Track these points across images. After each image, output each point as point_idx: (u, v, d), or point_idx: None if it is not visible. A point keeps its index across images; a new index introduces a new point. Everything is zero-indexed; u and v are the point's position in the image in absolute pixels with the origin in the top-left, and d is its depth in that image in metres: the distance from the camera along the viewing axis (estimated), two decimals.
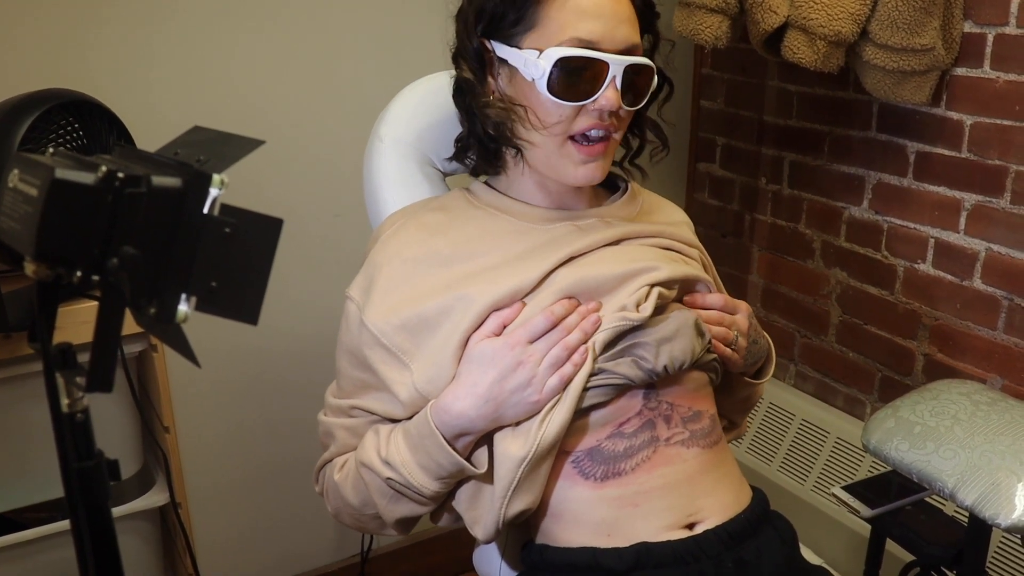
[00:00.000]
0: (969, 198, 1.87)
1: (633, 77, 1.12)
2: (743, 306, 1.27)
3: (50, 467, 0.72)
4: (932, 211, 1.95)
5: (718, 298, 1.24)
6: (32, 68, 1.61)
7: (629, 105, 1.14)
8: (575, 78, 1.09)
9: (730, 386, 1.31)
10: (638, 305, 1.12)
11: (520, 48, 1.12)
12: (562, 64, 1.09)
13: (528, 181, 1.22)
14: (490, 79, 1.18)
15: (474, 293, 1.11)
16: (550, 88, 1.09)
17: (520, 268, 1.13)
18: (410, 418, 1.12)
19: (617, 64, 1.10)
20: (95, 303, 0.67)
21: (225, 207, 0.66)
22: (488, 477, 1.10)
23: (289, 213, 1.88)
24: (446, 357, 1.10)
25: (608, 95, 1.10)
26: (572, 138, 1.14)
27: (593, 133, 1.13)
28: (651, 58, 1.19)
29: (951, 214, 1.91)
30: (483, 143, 1.21)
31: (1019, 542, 1.66)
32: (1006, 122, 1.78)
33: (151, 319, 0.65)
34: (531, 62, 1.10)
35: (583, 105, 1.11)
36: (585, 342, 1.09)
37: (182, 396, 1.87)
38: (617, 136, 1.18)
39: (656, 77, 1.18)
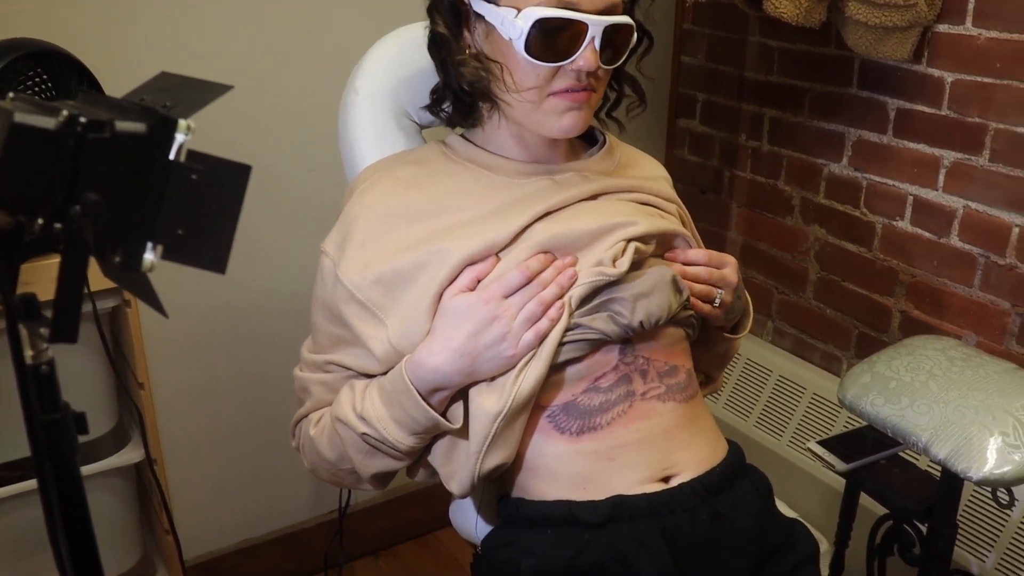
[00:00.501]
0: (948, 155, 1.87)
1: (612, 36, 1.10)
2: (731, 261, 1.25)
3: (18, 425, 0.70)
4: (911, 168, 1.95)
5: (701, 253, 1.23)
6: (4, 19, 1.57)
7: (607, 63, 1.12)
8: (553, 39, 1.07)
9: (708, 341, 1.31)
10: (615, 260, 1.11)
11: (498, 5, 1.09)
12: (540, 24, 1.06)
13: (505, 134, 1.20)
14: (466, 33, 1.16)
15: (450, 247, 1.10)
16: (527, 48, 1.07)
17: (496, 222, 1.12)
18: (385, 373, 1.11)
19: (596, 24, 1.07)
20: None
21: (192, 153, 0.65)
22: (463, 432, 1.10)
23: (264, 167, 1.88)
24: (420, 312, 1.09)
25: (587, 56, 1.08)
26: (552, 93, 1.12)
27: (573, 87, 1.11)
28: (631, 12, 1.17)
29: (930, 171, 1.91)
30: (458, 96, 1.19)
31: (989, 496, 1.68)
32: (987, 79, 1.77)
33: (117, 268, 0.64)
34: (508, 21, 1.08)
35: (560, 66, 1.09)
36: (561, 297, 1.08)
37: (156, 352, 1.85)
38: (599, 91, 1.16)
39: (635, 33, 1.16)
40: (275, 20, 1.84)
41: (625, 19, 1.11)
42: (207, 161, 0.64)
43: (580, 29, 1.07)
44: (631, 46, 1.15)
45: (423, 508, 2.33)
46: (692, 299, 1.20)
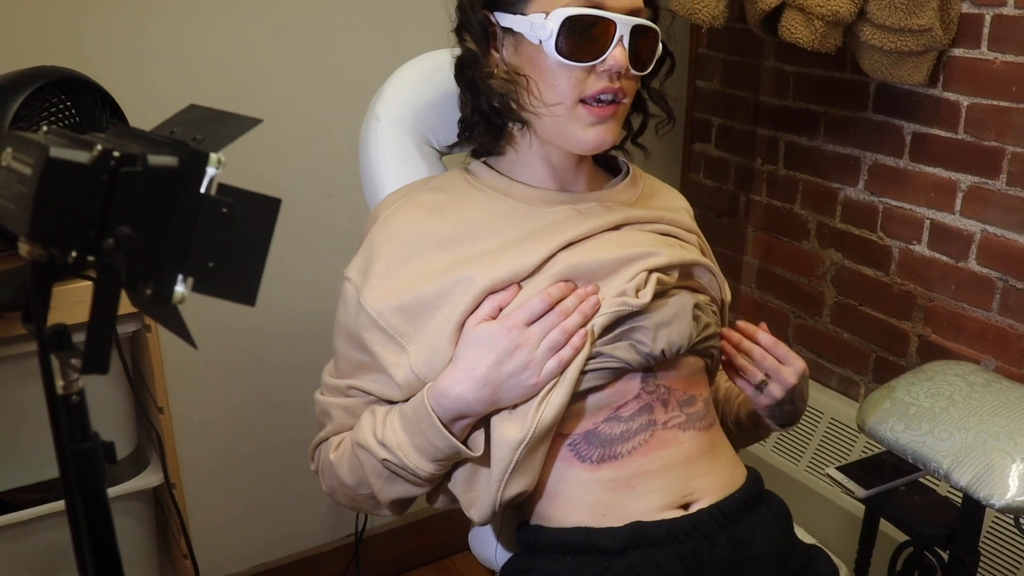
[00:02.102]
0: (965, 179, 1.87)
1: (639, 40, 1.11)
2: (798, 364, 1.22)
3: (44, 448, 0.71)
4: (928, 192, 1.95)
5: (768, 338, 1.23)
6: (24, 45, 1.59)
7: (636, 70, 1.13)
8: (583, 38, 1.08)
9: (749, 424, 1.32)
10: (637, 291, 1.11)
11: (525, 14, 1.11)
12: (570, 23, 1.08)
13: (533, 158, 1.21)
14: (493, 52, 1.17)
15: (473, 275, 1.10)
16: (558, 49, 1.08)
17: (520, 252, 1.13)
18: (407, 400, 1.11)
19: (624, 23, 1.09)
20: (89, 283, 0.66)
21: (222, 186, 0.65)
22: (484, 460, 1.10)
23: (283, 192, 1.87)
24: (443, 340, 1.09)
25: (616, 55, 1.09)
26: (583, 101, 1.12)
27: (604, 96, 1.12)
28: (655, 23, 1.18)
29: (947, 195, 1.91)
30: (488, 119, 1.19)
31: (1012, 522, 1.66)
32: (1003, 103, 1.77)
33: (147, 300, 0.64)
34: (538, 24, 1.09)
35: (592, 67, 1.10)
36: (584, 325, 1.09)
37: (176, 376, 1.86)
38: (627, 102, 1.16)
39: (660, 43, 1.17)
40: (296, 49, 1.86)
41: (650, 23, 1.12)
42: (237, 194, 0.65)
43: (608, 27, 1.08)
44: (658, 55, 1.16)
45: (440, 533, 2.32)
46: (737, 375, 1.22)
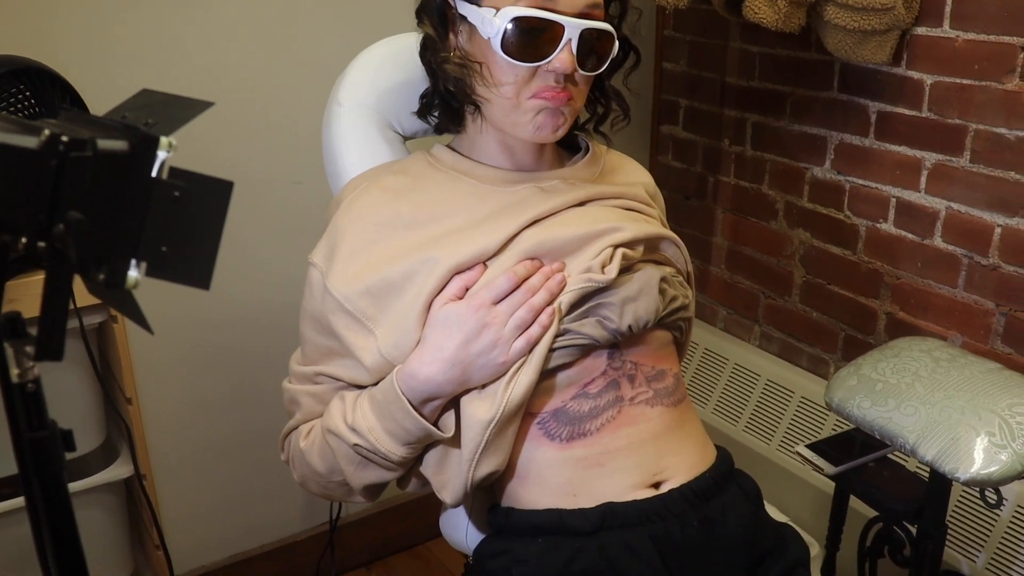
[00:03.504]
0: (929, 157, 1.88)
1: (593, 42, 1.11)
2: None
3: (5, 442, 0.70)
4: (893, 171, 1.96)
5: None
6: None
7: (588, 70, 1.12)
8: (529, 38, 1.08)
9: None
10: (603, 267, 1.11)
11: (479, 5, 1.10)
12: (516, 23, 1.07)
13: (489, 140, 1.21)
14: (451, 36, 1.17)
15: (438, 256, 1.10)
16: (504, 47, 1.08)
17: (485, 231, 1.13)
18: (376, 384, 1.11)
19: (573, 27, 1.08)
20: None
21: (174, 170, 0.65)
22: (455, 441, 1.10)
23: (250, 181, 1.88)
24: (410, 321, 1.09)
25: (562, 58, 1.08)
26: (530, 97, 1.12)
27: (548, 93, 1.12)
28: (618, 26, 1.17)
29: (912, 173, 1.92)
30: (445, 100, 1.20)
31: (978, 496, 1.69)
32: (965, 81, 1.78)
33: (101, 286, 0.63)
34: (487, 20, 1.08)
35: (537, 66, 1.10)
36: (551, 303, 1.09)
37: (144, 367, 1.85)
38: (577, 101, 1.16)
39: (617, 43, 1.16)
40: (257, 34, 1.85)
41: (604, 25, 1.11)
42: (189, 178, 0.65)
43: (557, 30, 1.07)
44: (612, 55, 1.16)
45: (414, 519, 2.32)
46: None
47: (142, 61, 1.73)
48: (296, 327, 1.21)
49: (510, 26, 1.07)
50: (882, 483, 1.60)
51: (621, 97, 1.26)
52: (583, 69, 1.11)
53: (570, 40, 1.08)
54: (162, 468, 1.93)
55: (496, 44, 1.08)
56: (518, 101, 1.12)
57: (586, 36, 1.09)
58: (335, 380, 1.16)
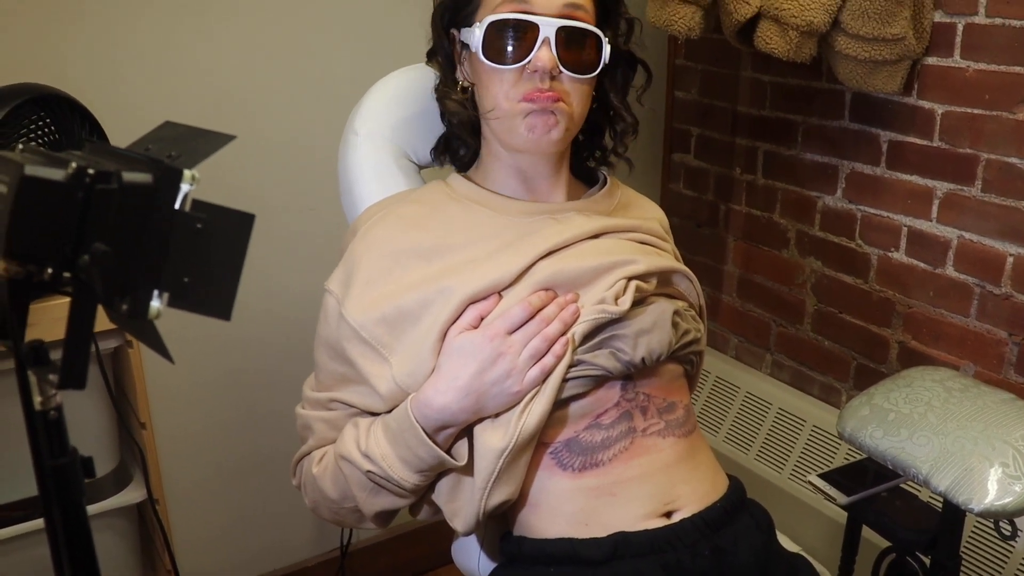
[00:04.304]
0: (941, 186, 1.89)
1: (575, 43, 1.13)
2: None
3: (24, 465, 0.71)
4: (905, 200, 1.97)
5: None
6: (3, 62, 1.59)
7: (573, 71, 1.13)
8: (505, 40, 1.12)
9: None
10: (617, 298, 1.12)
11: (470, 25, 1.15)
12: (492, 27, 1.11)
13: (503, 168, 1.22)
14: (458, 68, 1.20)
15: (454, 285, 1.11)
16: (485, 53, 1.12)
17: (500, 261, 1.14)
18: (390, 411, 1.12)
19: (548, 25, 1.10)
20: (67, 299, 0.66)
21: (197, 202, 0.66)
22: (468, 469, 1.10)
23: (264, 207, 1.90)
24: (425, 350, 1.10)
25: (541, 55, 1.11)
26: (520, 101, 1.14)
27: (533, 94, 1.13)
28: (625, 43, 1.20)
29: (923, 202, 1.93)
30: (458, 137, 1.24)
31: (992, 527, 1.68)
32: (976, 111, 1.79)
33: (124, 315, 0.65)
34: (474, 34, 1.13)
35: (521, 68, 1.12)
36: (564, 333, 1.09)
37: (158, 392, 1.86)
38: (570, 106, 1.15)
39: (607, 48, 1.16)
40: (274, 62, 1.87)
41: (582, 24, 1.13)
42: (211, 210, 0.66)
43: (532, 29, 1.11)
44: (603, 59, 1.16)
45: (425, 546, 2.32)
46: None
47: (158, 88, 1.75)
48: (309, 353, 1.22)
49: (488, 31, 1.11)
50: (895, 513, 1.59)
51: (628, 109, 1.27)
52: (567, 69, 1.13)
53: (547, 39, 1.11)
54: (174, 492, 1.93)
55: (480, 52, 1.12)
56: (509, 107, 1.14)
57: (564, 35, 1.11)
58: (349, 407, 1.17)
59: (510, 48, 1.12)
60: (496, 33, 1.11)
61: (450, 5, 1.19)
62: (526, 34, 1.11)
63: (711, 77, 2.41)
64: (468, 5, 1.17)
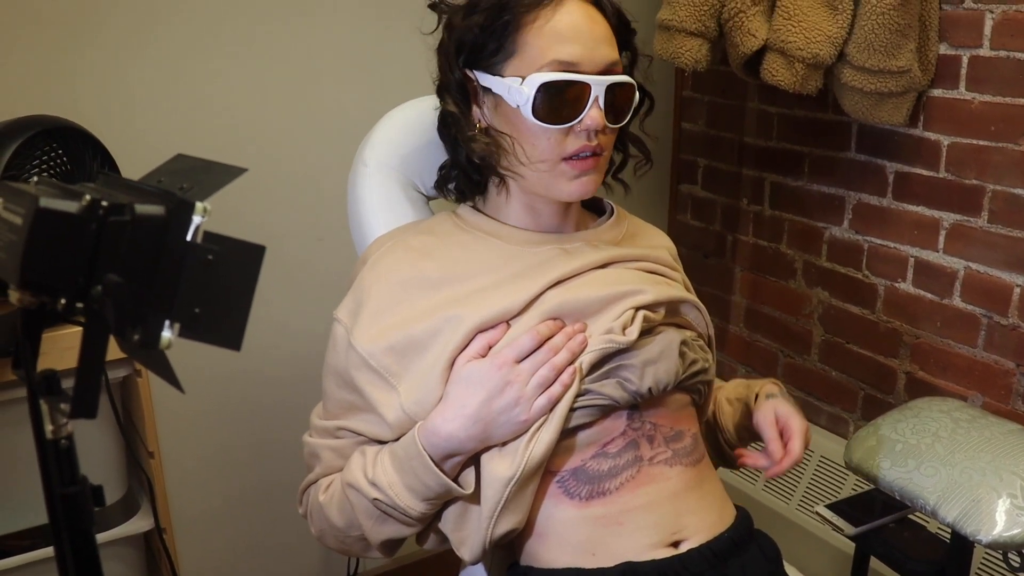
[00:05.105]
0: (947, 217, 1.89)
1: (615, 95, 1.14)
2: (797, 432, 1.22)
3: (34, 493, 0.72)
4: (911, 230, 1.97)
5: (775, 447, 1.21)
6: (16, 94, 1.61)
7: (613, 123, 1.15)
8: (558, 101, 1.11)
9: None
10: (624, 328, 1.13)
11: (503, 76, 1.14)
12: (545, 88, 1.10)
13: (514, 203, 1.23)
14: (475, 108, 1.20)
15: (462, 314, 1.12)
16: (535, 113, 1.11)
17: (508, 290, 1.14)
18: (397, 439, 1.12)
19: (599, 84, 1.11)
20: (79, 329, 0.67)
21: (208, 234, 0.67)
22: (475, 498, 1.11)
23: (272, 237, 1.91)
24: (433, 378, 1.10)
25: (592, 115, 1.12)
26: (565, 159, 1.15)
27: (583, 153, 1.14)
28: (630, 74, 1.21)
29: (930, 233, 1.93)
30: (468, 173, 1.24)
31: (1000, 558, 1.67)
32: (982, 142, 1.80)
33: (135, 345, 0.65)
34: (515, 89, 1.12)
35: (570, 127, 1.13)
36: (572, 362, 1.10)
37: (166, 421, 1.86)
38: (606, 154, 1.19)
39: (638, 94, 1.20)
40: (285, 96, 1.89)
41: (626, 78, 1.15)
42: (223, 242, 0.67)
43: (583, 90, 1.11)
44: (634, 105, 1.19)
45: (432, 575, 2.31)
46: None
47: (169, 121, 1.77)
48: (318, 383, 1.22)
49: (540, 92, 1.10)
50: (903, 544, 1.59)
51: (641, 142, 1.30)
52: (610, 122, 1.14)
53: (597, 97, 1.12)
54: (181, 521, 1.94)
55: (527, 111, 1.11)
56: (553, 164, 1.15)
57: (611, 91, 1.12)
58: (356, 435, 1.17)
59: (562, 108, 1.12)
60: (548, 94, 1.10)
61: (468, 46, 1.17)
62: (578, 95, 1.11)
63: (718, 109, 2.43)
64: (497, 54, 1.15)
